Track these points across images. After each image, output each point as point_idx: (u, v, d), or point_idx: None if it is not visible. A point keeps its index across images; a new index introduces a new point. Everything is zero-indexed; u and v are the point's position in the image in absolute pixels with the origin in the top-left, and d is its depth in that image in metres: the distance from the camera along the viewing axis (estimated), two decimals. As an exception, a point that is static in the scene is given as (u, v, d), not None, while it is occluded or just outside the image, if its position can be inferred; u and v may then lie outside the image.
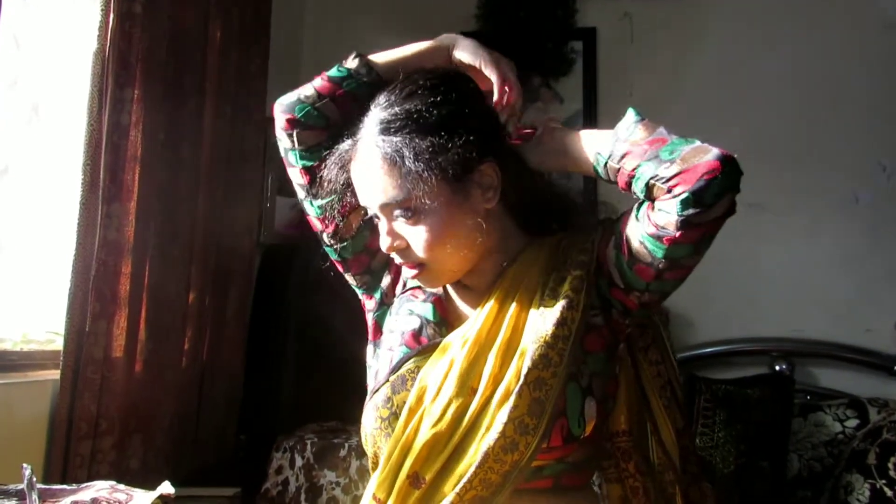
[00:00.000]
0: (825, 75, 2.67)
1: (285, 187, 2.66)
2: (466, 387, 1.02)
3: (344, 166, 1.07)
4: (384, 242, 1.06)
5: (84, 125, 1.85)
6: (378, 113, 1.04)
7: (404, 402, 1.05)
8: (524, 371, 0.99)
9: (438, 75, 1.07)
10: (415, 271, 1.06)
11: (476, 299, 1.11)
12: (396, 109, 1.02)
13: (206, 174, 2.19)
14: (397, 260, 1.08)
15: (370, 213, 1.08)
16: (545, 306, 1.03)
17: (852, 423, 2.27)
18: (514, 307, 1.05)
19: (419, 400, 1.04)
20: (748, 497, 2.17)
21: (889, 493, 2.02)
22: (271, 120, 2.82)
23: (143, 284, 1.99)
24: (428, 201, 1.00)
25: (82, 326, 1.83)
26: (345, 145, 1.07)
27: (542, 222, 1.15)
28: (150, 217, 2.00)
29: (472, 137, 1.01)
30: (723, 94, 2.74)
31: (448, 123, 1.01)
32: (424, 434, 1.01)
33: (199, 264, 2.18)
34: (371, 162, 1.03)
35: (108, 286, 1.88)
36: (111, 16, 1.87)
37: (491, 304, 1.07)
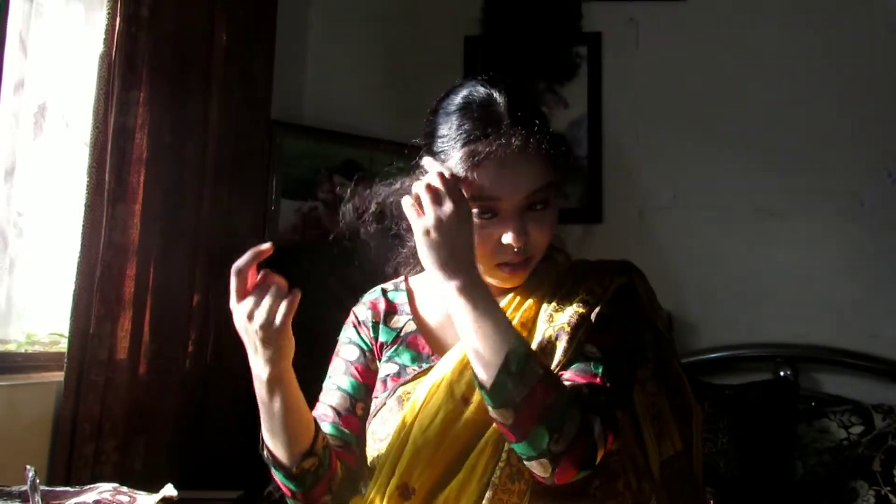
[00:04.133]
0: (831, 79, 2.66)
1: (290, 189, 2.67)
2: (456, 395, 1.02)
3: (492, 160, 0.99)
4: (518, 237, 1.01)
5: (90, 127, 1.86)
6: (514, 103, 1.02)
7: (392, 414, 1.06)
8: None
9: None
10: (517, 266, 1.04)
11: None
12: (524, 103, 1.03)
13: (211, 176, 2.20)
14: (505, 257, 1.04)
15: (494, 208, 1.02)
16: (541, 332, 1.04)
17: (857, 429, 2.27)
18: (513, 325, 1.05)
19: (412, 413, 1.04)
20: (752, 503, 2.16)
21: (894, 499, 2.01)
22: (277, 122, 2.83)
23: (148, 286, 1.99)
24: (555, 198, 1.05)
25: (86, 328, 1.83)
26: (475, 145, 1.00)
27: None
28: (155, 219, 2.00)
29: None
30: (728, 99, 2.74)
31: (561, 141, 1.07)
32: (413, 443, 1.01)
33: (204, 266, 2.18)
34: (534, 157, 1.00)
35: (112, 288, 1.89)
36: (117, 19, 1.88)
37: None
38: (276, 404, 1.02)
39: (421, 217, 0.98)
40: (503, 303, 1.08)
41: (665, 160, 2.75)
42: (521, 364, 0.92)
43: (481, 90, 1.03)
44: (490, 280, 1.07)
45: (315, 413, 1.13)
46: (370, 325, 1.19)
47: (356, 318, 1.22)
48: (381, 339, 1.18)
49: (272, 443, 1.05)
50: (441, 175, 0.98)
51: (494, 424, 0.99)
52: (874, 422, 2.26)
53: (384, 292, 1.23)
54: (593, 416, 0.93)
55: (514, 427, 0.92)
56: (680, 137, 2.74)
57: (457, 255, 0.96)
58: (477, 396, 1.01)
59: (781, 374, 2.53)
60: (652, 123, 2.78)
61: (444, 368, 1.06)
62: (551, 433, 0.91)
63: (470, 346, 0.95)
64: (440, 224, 0.96)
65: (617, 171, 2.80)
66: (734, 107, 2.73)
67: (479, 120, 1.00)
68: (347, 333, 1.22)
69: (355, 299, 1.26)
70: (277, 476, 1.06)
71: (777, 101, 2.70)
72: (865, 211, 2.60)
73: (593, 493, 1.01)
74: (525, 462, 0.94)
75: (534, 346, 1.03)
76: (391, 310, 1.19)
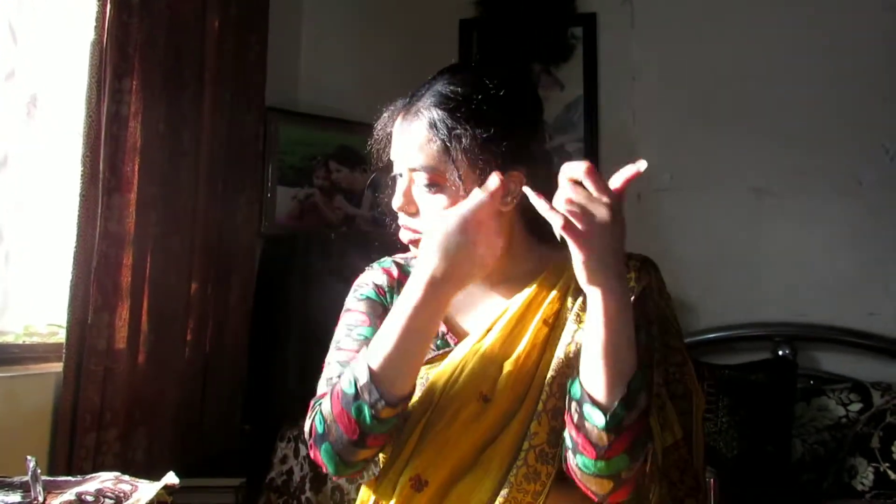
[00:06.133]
0: (827, 57, 2.65)
1: (286, 176, 2.66)
2: (476, 391, 1.01)
3: (392, 118, 1.09)
4: (396, 201, 1.06)
5: (83, 116, 1.84)
6: (440, 86, 1.05)
7: (412, 404, 1.04)
8: (543, 398, 1.00)
9: (509, 74, 1.07)
10: (415, 237, 1.06)
11: (489, 308, 1.09)
12: (459, 90, 1.03)
13: (206, 164, 2.19)
14: (401, 221, 1.07)
15: (395, 170, 1.08)
16: (570, 332, 1.03)
17: (855, 406, 2.28)
18: (535, 322, 1.04)
19: (425, 403, 1.03)
20: (752, 482, 2.17)
21: (893, 475, 2.02)
22: (271, 109, 2.80)
23: (145, 276, 1.99)
24: (452, 182, 1.02)
25: (84, 318, 1.83)
26: (400, 102, 1.09)
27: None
28: (151, 208, 1.99)
29: (513, 144, 1.02)
30: (724, 79, 2.73)
31: (498, 123, 1.02)
32: (430, 436, 1.01)
33: (201, 255, 2.18)
34: (417, 124, 1.04)
35: (109, 278, 1.88)
36: (108, 6, 1.86)
37: (511, 314, 1.06)
38: (434, 325, 1.01)
39: (591, 217, 0.88)
40: (526, 294, 1.07)
41: (662, 141, 2.75)
42: (637, 397, 0.92)
43: (455, 67, 1.09)
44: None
45: (341, 359, 1.10)
46: (386, 289, 1.17)
47: (373, 281, 1.18)
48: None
49: (405, 370, 0.99)
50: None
51: (514, 423, 0.98)
52: (872, 399, 2.27)
53: (397, 263, 1.21)
54: (650, 445, 0.96)
55: (603, 449, 0.91)
56: (677, 118, 2.73)
57: (619, 260, 0.91)
58: (497, 396, 1.01)
59: (780, 353, 2.54)
60: (648, 104, 2.77)
61: (462, 357, 1.04)
62: (631, 462, 0.92)
63: (598, 358, 0.92)
64: (608, 224, 0.88)
65: (614, 153, 2.79)
66: (730, 87, 2.72)
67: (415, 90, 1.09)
68: (363, 292, 1.17)
69: (351, 287, 1.22)
70: (367, 411, 0.97)
71: (773, 81, 2.69)
72: (863, 189, 2.60)
73: None
74: (583, 475, 0.94)
75: (562, 346, 1.02)
76: (404, 281, 1.15)
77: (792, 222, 2.64)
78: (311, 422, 1.04)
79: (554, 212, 0.89)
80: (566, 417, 0.97)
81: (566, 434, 0.97)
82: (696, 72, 2.75)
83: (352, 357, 1.08)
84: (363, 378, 0.97)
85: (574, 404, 0.95)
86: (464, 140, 1.01)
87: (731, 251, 2.68)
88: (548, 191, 1.05)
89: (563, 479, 0.99)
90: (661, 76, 2.78)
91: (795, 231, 2.63)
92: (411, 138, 1.04)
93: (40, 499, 1.18)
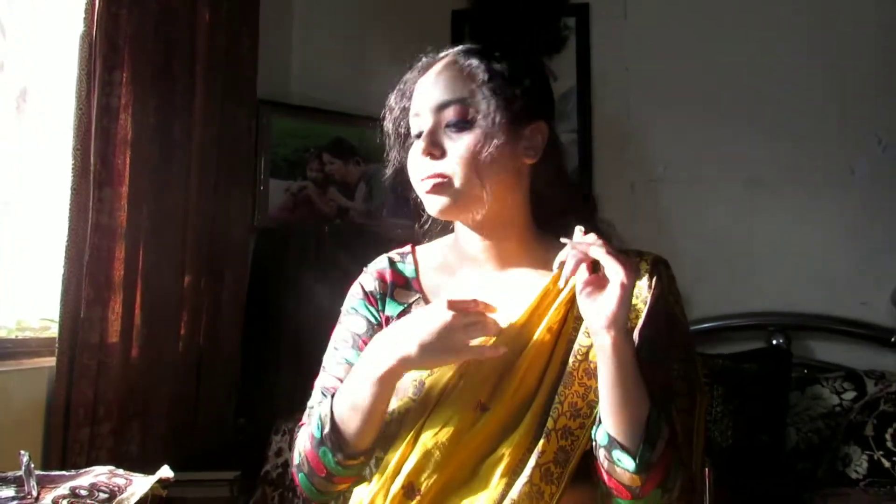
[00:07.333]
0: (820, 48, 2.65)
1: (279, 169, 2.65)
2: (473, 400, 0.99)
3: (416, 77, 1.10)
4: (425, 147, 1.04)
5: (73, 109, 1.83)
6: (463, 44, 1.10)
7: (406, 410, 1.03)
8: (554, 416, 0.97)
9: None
10: (436, 181, 1.03)
11: (492, 295, 1.05)
12: (479, 46, 1.09)
13: (198, 157, 2.18)
14: (423, 169, 1.05)
15: (419, 125, 1.07)
16: (580, 344, 1.00)
17: (849, 395, 2.28)
18: (540, 330, 1.02)
19: (421, 408, 1.01)
20: (747, 471, 2.18)
21: (887, 463, 2.03)
22: (263, 101, 2.79)
23: (138, 269, 1.98)
24: (482, 120, 1.02)
25: (77, 312, 1.82)
26: (424, 60, 1.11)
27: (559, 224, 1.10)
28: (143, 201, 1.98)
29: (537, 90, 1.07)
30: (717, 71, 2.72)
31: (521, 66, 1.06)
32: (424, 443, 0.98)
33: (194, 248, 2.17)
34: (444, 70, 1.07)
35: (101, 271, 1.87)
36: (97, -3, 1.85)
37: (515, 321, 1.03)
38: (385, 402, 1.02)
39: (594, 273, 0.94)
40: (531, 299, 1.04)
41: (655, 132, 2.74)
42: (657, 431, 0.93)
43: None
44: (426, 204, 1.08)
45: (324, 384, 1.11)
46: (378, 296, 1.14)
47: (363, 288, 1.16)
48: (388, 312, 1.13)
49: (363, 428, 1.01)
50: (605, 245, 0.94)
51: (516, 437, 0.97)
52: (866, 387, 2.28)
53: (391, 262, 1.18)
54: (682, 473, 0.96)
55: (637, 489, 0.93)
56: (670, 109, 2.73)
57: (623, 314, 0.92)
58: (495, 405, 0.99)
59: (774, 342, 2.54)
60: (642, 95, 2.76)
61: (461, 363, 1.02)
62: (664, 493, 0.94)
63: (613, 402, 0.93)
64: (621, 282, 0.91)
65: (607, 144, 2.79)
66: (724, 78, 2.71)
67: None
68: (353, 304, 1.16)
69: (346, 279, 1.21)
70: (331, 457, 1.02)
71: (766, 71, 2.68)
72: (856, 180, 2.60)
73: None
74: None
75: (571, 360, 1.00)
76: (398, 282, 1.15)
77: (785, 212, 2.64)
78: (293, 451, 1.10)
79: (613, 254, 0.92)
80: (595, 465, 0.97)
81: (600, 483, 0.97)
82: (690, 63, 2.75)
83: (333, 386, 1.10)
84: (327, 426, 1.02)
85: (602, 451, 0.95)
86: (495, 79, 1.03)
87: (725, 241, 2.68)
88: (551, 168, 1.09)
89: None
90: (654, 67, 2.77)
91: (789, 221, 2.64)
92: (438, 79, 1.06)
93: (34, 493, 1.17)
